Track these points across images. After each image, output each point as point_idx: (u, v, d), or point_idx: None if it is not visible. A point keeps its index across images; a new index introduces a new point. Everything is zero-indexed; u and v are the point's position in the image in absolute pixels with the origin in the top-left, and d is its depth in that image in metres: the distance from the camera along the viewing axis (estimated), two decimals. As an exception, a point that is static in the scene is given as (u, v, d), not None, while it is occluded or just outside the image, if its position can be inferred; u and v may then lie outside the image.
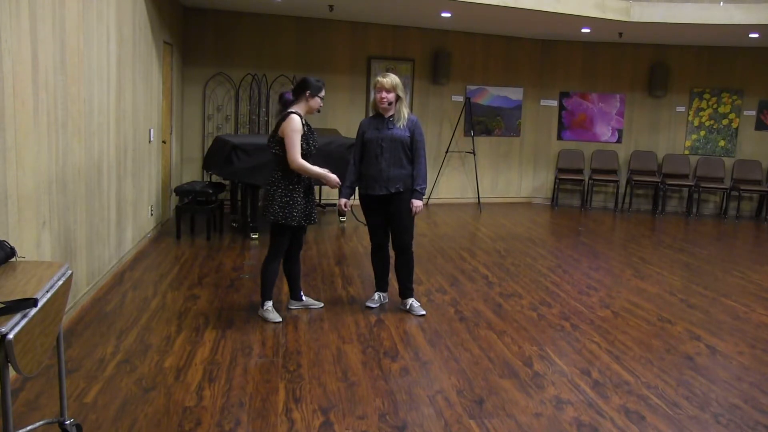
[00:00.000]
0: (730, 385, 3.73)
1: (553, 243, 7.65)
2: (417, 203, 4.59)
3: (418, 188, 4.57)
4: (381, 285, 4.88)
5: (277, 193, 4.30)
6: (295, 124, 4.21)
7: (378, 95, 4.55)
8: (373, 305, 4.82)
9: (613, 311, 5.01)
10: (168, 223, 7.45)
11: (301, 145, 4.25)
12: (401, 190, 4.58)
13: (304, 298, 4.73)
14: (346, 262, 6.24)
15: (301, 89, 4.33)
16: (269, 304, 4.47)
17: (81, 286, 4.45)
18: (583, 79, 10.38)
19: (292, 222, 4.31)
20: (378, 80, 4.55)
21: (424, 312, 4.71)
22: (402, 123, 4.56)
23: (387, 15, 8.65)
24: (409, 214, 4.61)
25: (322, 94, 4.38)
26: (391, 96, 4.54)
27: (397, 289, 4.85)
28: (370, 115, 4.78)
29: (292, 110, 4.30)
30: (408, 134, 4.57)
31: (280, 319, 4.42)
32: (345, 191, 4.71)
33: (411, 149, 4.59)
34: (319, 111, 4.48)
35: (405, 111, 4.59)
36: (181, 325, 4.26)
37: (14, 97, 3.21)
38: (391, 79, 4.54)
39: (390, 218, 4.66)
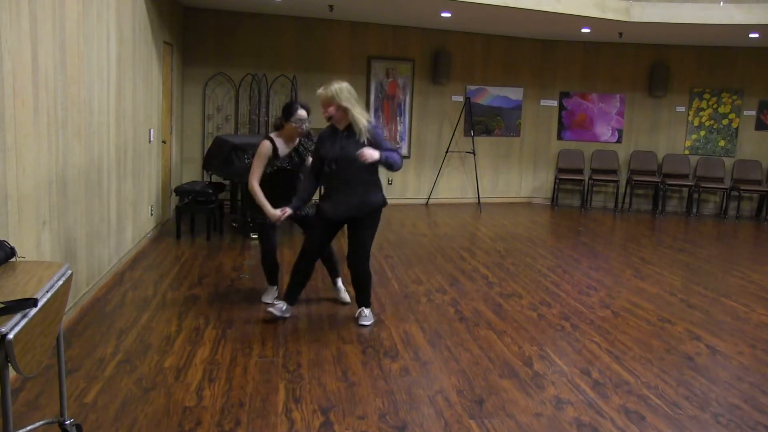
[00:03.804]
0: (730, 385, 3.73)
1: (553, 243, 7.65)
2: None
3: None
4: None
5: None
6: (260, 148, 4.46)
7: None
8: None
9: (613, 311, 5.01)
10: (168, 223, 7.45)
11: (265, 168, 4.47)
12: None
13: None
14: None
15: (282, 114, 4.50)
16: None
17: (81, 286, 4.45)
18: (583, 79, 10.38)
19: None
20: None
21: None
22: (361, 134, 4.06)
23: (387, 15, 8.65)
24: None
25: (295, 118, 4.42)
26: (331, 110, 4.07)
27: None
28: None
29: (269, 135, 4.52)
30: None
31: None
32: None
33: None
34: (302, 132, 4.46)
35: (361, 119, 4.05)
36: (181, 325, 4.26)
37: (14, 97, 3.21)
38: (328, 90, 4.04)
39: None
